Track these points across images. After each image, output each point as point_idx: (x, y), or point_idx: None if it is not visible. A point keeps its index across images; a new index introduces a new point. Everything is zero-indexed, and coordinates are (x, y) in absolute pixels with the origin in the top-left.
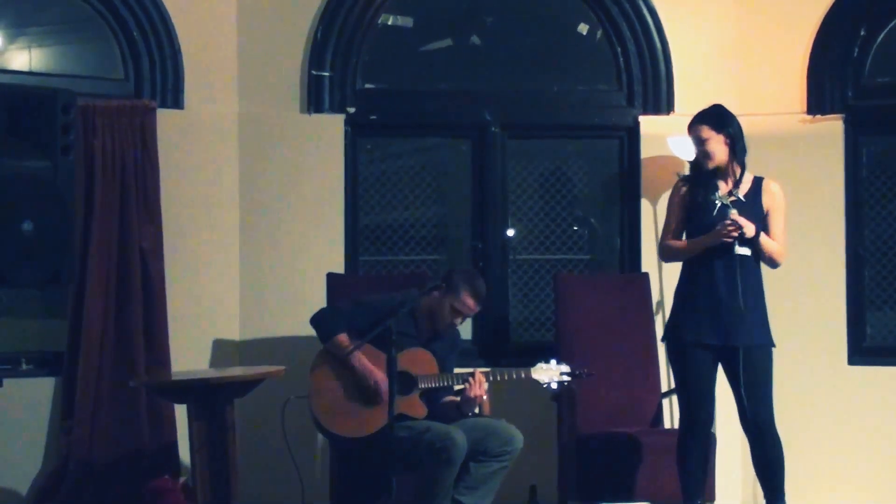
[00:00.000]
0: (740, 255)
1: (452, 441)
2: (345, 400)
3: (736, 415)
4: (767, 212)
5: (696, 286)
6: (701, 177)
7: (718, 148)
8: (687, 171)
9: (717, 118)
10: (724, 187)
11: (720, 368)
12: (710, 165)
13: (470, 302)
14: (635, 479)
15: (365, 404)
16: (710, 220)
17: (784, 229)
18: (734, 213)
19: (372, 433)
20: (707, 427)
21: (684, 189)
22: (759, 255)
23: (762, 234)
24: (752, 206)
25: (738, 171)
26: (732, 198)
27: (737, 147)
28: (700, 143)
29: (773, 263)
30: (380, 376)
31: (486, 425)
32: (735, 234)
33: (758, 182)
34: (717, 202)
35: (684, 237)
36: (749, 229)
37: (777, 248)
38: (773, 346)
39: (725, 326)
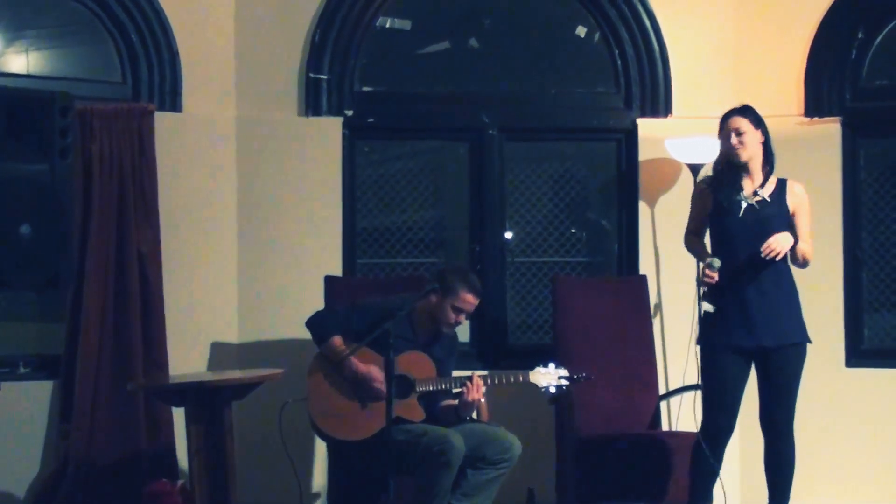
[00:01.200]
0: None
1: (450, 444)
2: (341, 403)
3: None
4: (794, 213)
5: (728, 289)
6: (724, 178)
7: (754, 143)
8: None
9: (755, 115)
10: (748, 188)
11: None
12: (743, 157)
13: (469, 297)
14: (634, 481)
15: (362, 407)
16: (735, 221)
17: (811, 229)
18: (711, 273)
19: (369, 436)
20: (726, 434)
21: (705, 190)
22: (794, 260)
23: (799, 243)
24: (778, 206)
25: (767, 171)
26: (758, 198)
27: (769, 147)
28: (738, 133)
29: (805, 265)
30: (375, 372)
31: (484, 432)
32: (710, 280)
33: (782, 183)
34: (742, 203)
35: (707, 235)
36: (783, 242)
37: (809, 249)
38: (809, 341)
39: (756, 327)
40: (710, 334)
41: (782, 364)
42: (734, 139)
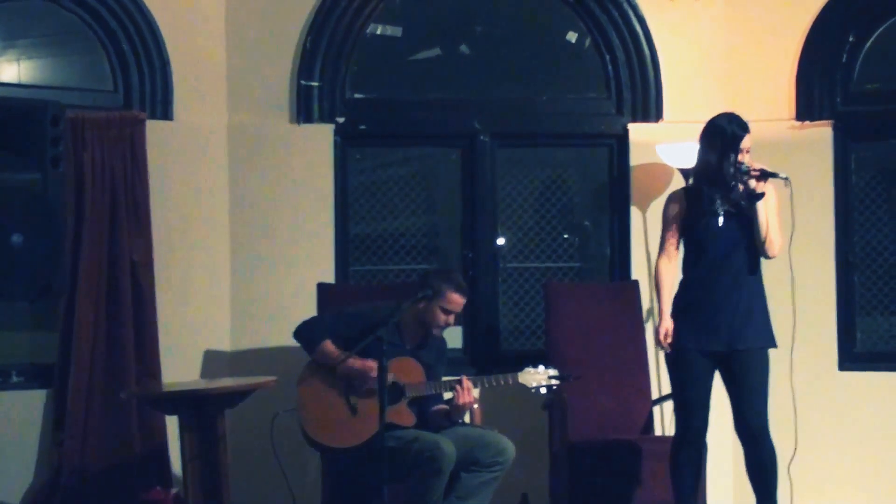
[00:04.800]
0: (740, 260)
1: (441, 450)
2: (332, 411)
3: (726, 420)
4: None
5: (695, 292)
6: (699, 190)
7: None
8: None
9: None
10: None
11: (717, 376)
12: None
13: (456, 297)
14: (627, 486)
15: (353, 415)
16: (715, 229)
17: (779, 223)
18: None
19: (360, 444)
20: (701, 434)
21: (679, 204)
22: (755, 228)
23: (760, 206)
24: (757, 223)
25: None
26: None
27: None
28: (749, 150)
29: (766, 249)
30: (371, 363)
31: (478, 436)
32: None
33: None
34: (720, 211)
35: (681, 248)
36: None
37: (776, 237)
38: (775, 346)
39: (726, 331)
40: (678, 339)
41: (749, 367)
42: (746, 158)
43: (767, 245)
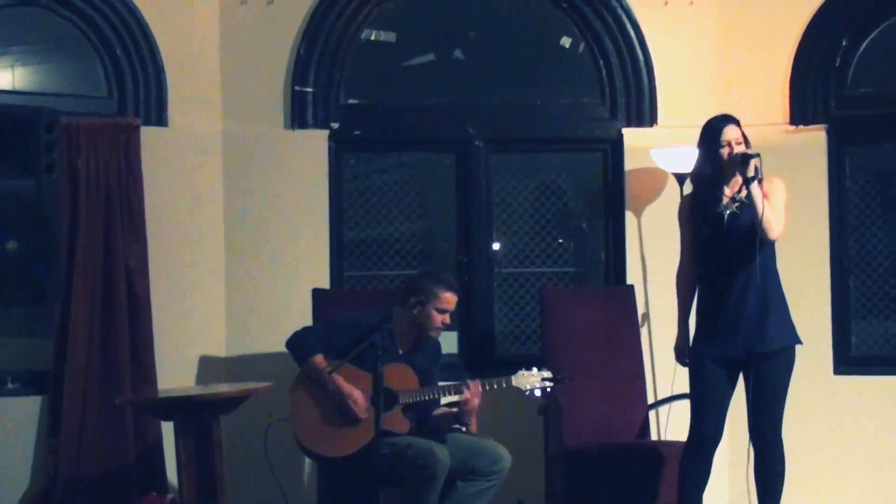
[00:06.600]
0: (750, 260)
1: (434, 457)
2: (325, 420)
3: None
4: (766, 195)
5: (710, 299)
6: (707, 193)
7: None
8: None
9: (740, 124)
10: (726, 196)
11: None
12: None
13: (449, 295)
14: (623, 491)
15: (345, 423)
16: (720, 232)
17: (782, 207)
18: None
19: (354, 452)
20: (712, 442)
21: (687, 209)
22: (752, 209)
23: (755, 185)
24: (753, 203)
25: (740, 179)
26: (736, 204)
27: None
28: (739, 142)
29: (767, 231)
30: (357, 395)
31: (474, 444)
32: None
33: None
34: (724, 213)
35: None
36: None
37: (769, 209)
38: (799, 342)
39: (743, 335)
40: (699, 347)
41: (770, 370)
42: (737, 149)
43: (766, 226)
